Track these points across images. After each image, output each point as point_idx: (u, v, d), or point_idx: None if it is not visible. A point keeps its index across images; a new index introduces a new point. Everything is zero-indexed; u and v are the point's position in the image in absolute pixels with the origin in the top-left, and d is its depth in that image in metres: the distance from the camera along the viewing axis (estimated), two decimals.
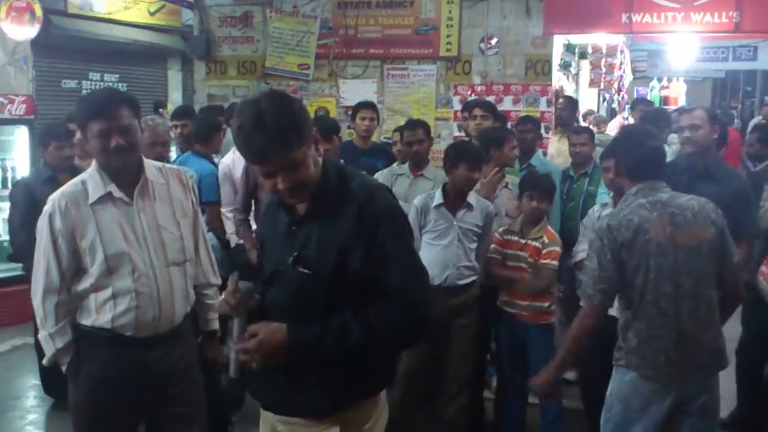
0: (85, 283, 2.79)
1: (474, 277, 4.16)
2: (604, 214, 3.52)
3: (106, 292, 2.78)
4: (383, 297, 2.07)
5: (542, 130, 6.92)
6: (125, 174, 2.81)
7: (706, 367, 3.02)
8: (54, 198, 2.81)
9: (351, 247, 2.07)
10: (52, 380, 4.68)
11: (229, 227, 5.10)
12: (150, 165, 2.93)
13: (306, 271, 2.11)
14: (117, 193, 2.80)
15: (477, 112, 5.24)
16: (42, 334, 2.84)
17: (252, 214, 5.14)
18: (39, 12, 6.53)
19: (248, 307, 2.19)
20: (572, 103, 7.92)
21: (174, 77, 10.92)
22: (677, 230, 2.94)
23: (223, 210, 5.10)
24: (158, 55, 10.72)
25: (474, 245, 4.13)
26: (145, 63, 10.58)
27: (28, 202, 4.34)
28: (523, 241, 4.15)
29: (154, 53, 10.51)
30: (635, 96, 11.74)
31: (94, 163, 2.86)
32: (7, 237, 6.34)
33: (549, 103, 8.27)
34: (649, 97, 12.71)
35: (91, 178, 2.82)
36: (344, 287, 2.09)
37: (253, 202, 4.79)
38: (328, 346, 2.06)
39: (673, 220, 2.95)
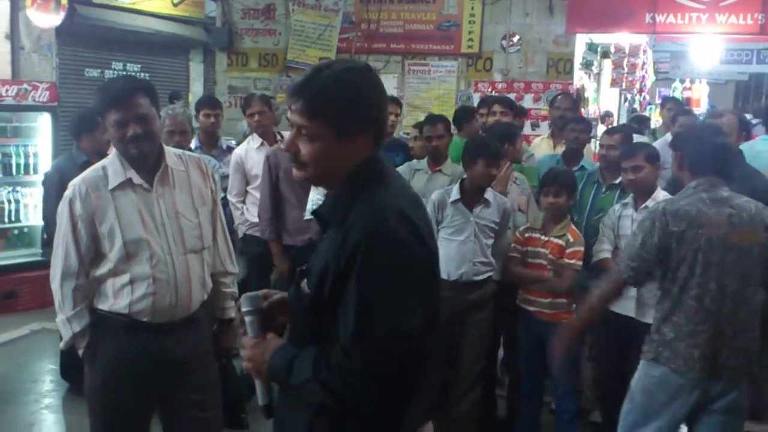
0: (104, 268, 2.81)
1: (490, 273, 4.15)
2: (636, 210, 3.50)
3: (124, 278, 2.80)
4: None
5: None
6: (145, 161, 2.83)
7: (737, 369, 3.01)
8: (75, 183, 2.84)
9: (328, 272, 1.77)
10: (70, 365, 4.72)
11: (237, 217, 5.12)
12: (170, 152, 2.95)
13: (304, 287, 1.89)
14: (137, 179, 2.82)
15: (497, 108, 5.21)
16: (60, 318, 2.87)
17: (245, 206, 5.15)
18: (64, 0, 6.56)
19: (261, 311, 2.02)
20: (574, 104, 6.79)
21: (196, 69, 10.97)
22: (732, 230, 2.94)
23: (232, 200, 5.12)
24: (180, 46, 10.78)
25: (490, 241, 4.12)
26: (168, 54, 10.64)
27: (62, 189, 4.36)
28: (545, 238, 4.12)
29: (176, 44, 10.56)
30: (657, 96, 11.65)
31: (114, 149, 2.88)
32: (29, 222, 6.45)
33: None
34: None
35: (111, 164, 2.85)
36: (325, 315, 1.80)
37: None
38: (282, 380, 1.85)
39: (730, 219, 2.95)
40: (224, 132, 6.23)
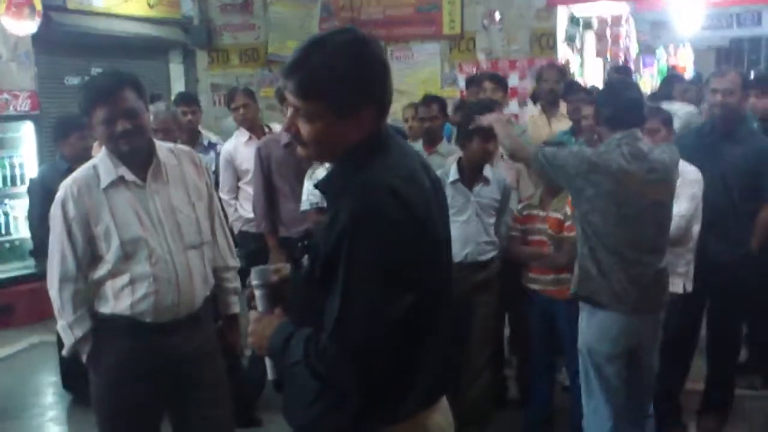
0: (102, 270, 2.73)
1: (494, 253, 4.09)
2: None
3: (124, 278, 2.72)
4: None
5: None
6: (136, 157, 2.75)
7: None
8: (66, 184, 2.75)
9: (319, 250, 1.74)
10: (72, 374, 4.64)
11: (231, 214, 5.02)
12: (162, 146, 2.87)
13: (304, 264, 1.87)
14: (129, 176, 2.74)
15: (487, 85, 5.14)
16: (60, 324, 2.79)
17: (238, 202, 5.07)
18: (39, 6, 6.46)
19: (271, 285, 2.01)
20: (562, 74, 6.31)
21: (176, 69, 10.81)
22: (650, 184, 3.16)
23: (224, 197, 5.01)
24: (159, 48, 10.62)
25: (493, 220, 4.06)
26: (147, 56, 10.47)
27: (45, 197, 4.25)
28: (544, 214, 4.06)
29: (155, 46, 10.40)
30: (642, 66, 11.60)
31: (104, 147, 2.80)
32: (20, 235, 6.34)
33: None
34: (655, 67, 12.56)
35: (102, 162, 2.76)
36: (319, 294, 1.76)
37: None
38: (278, 359, 1.85)
39: (648, 175, 3.15)
40: (212, 130, 6.13)
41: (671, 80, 7.17)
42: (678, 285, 3.83)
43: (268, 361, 1.98)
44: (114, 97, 2.65)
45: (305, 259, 1.88)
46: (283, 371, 1.91)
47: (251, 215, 4.83)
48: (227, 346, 3.13)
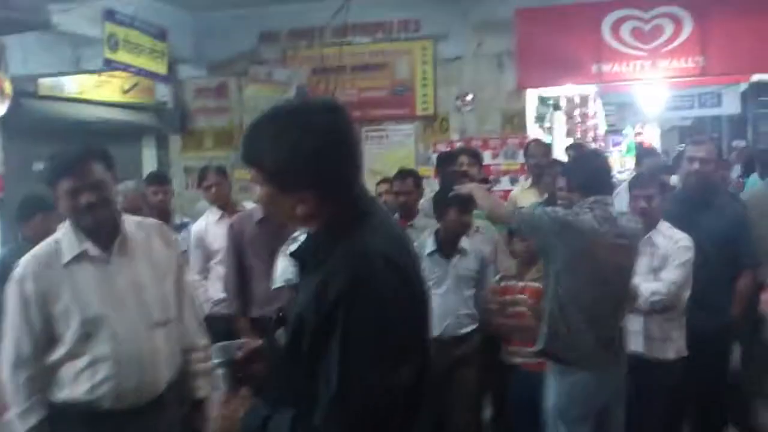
0: (59, 352, 2.57)
1: (474, 326, 3.99)
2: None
3: (83, 360, 2.57)
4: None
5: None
6: (101, 231, 2.64)
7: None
8: (25, 260, 2.63)
9: (306, 322, 1.61)
10: None
11: (200, 295, 4.85)
12: (129, 220, 2.77)
13: (280, 338, 1.77)
14: (93, 251, 2.63)
15: (463, 159, 5.14)
16: (12, 413, 2.59)
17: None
18: (8, 90, 6.41)
19: (236, 363, 1.87)
20: (547, 149, 6.59)
21: (149, 154, 10.77)
22: (617, 247, 3.29)
23: (194, 277, 4.84)
24: (132, 133, 10.59)
25: (471, 292, 3.99)
26: (119, 141, 10.37)
27: (4, 279, 4.08)
28: (522, 284, 3.99)
29: (127, 131, 10.36)
30: (611, 144, 11.82)
31: (68, 221, 2.69)
32: None
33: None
34: (624, 145, 12.84)
35: (65, 236, 2.65)
36: (302, 368, 1.63)
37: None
38: None
39: (616, 238, 3.29)
40: (184, 214, 6.04)
41: (641, 155, 7.33)
42: (671, 351, 3.84)
43: None
44: (80, 168, 2.57)
45: (281, 332, 1.77)
46: None
47: (221, 296, 4.69)
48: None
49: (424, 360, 1.71)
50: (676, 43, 7.69)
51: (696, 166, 4.14)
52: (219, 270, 4.80)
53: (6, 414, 2.62)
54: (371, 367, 1.53)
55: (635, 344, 3.81)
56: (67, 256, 2.61)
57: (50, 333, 2.58)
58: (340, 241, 1.62)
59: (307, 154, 1.61)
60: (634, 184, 4.10)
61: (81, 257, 2.62)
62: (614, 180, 4.01)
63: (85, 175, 2.56)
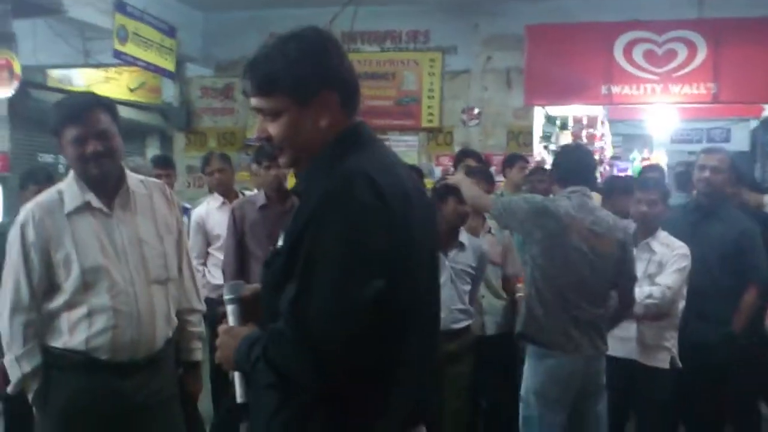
0: (58, 301, 2.55)
1: (468, 322, 3.94)
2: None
3: (81, 310, 2.54)
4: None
5: None
6: (105, 183, 2.62)
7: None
8: (28, 207, 2.61)
9: (287, 238, 1.66)
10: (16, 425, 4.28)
11: (199, 280, 4.81)
12: (132, 176, 2.75)
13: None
14: (96, 202, 2.60)
15: (470, 162, 5.15)
16: (8, 358, 2.57)
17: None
18: (18, 69, 6.41)
19: (243, 300, 1.90)
20: (547, 174, 6.63)
21: (152, 153, 10.79)
22: (592, 235, 3.34)
23: (193, 263, 4.81)
24: (137, 132, 10.60)
25: (467, 287, 3.94)
26: (124, 140, 10.36)
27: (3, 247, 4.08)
28: None
29: (132, 130, 10.35)
30: (616, 170, 11.82)
31: (71, 172, 2.66)
32: None
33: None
34: (630, 169, 12.84)
35: (68, 187, 2.63)
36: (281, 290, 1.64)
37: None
38: (244, 366, 1.69)
39: (592, 226, 3.35)
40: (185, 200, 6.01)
41: (646, 171, 7.31)
42: (665, 360, 3.82)
43: (237, 382, 1.81)
44: (86, 116, 2.55)
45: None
46: (251, 382, 1.73)
47: (219, 281, 4.65)
48: (187, 394, 2.90)
49: (417, 306, 1.68)
50: (689, 69, 7.64)
51: (707, 174, 4.13)
52: (218, 256, 4.77)
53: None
54: (333, 273, 1.52)
55: (629, 351, 3.80)
56: (69, 206, 2.58)
57: (50, 280, 2.55)
58: (333, 169, 1.64)
59: (316, 51, 1.70)
60: (638, 187, 4.10)
61: (83, 208, 2.59)
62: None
63: (91, 123, 2.54)
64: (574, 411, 3.37)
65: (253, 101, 1.74)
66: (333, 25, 8.35)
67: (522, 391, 3.43)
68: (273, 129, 1.72)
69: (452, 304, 3.84)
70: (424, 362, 1.75)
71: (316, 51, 1.71)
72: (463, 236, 3.95)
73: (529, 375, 3.41)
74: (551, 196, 3.91)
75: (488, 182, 4.47)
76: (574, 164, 3.53)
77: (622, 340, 3.77)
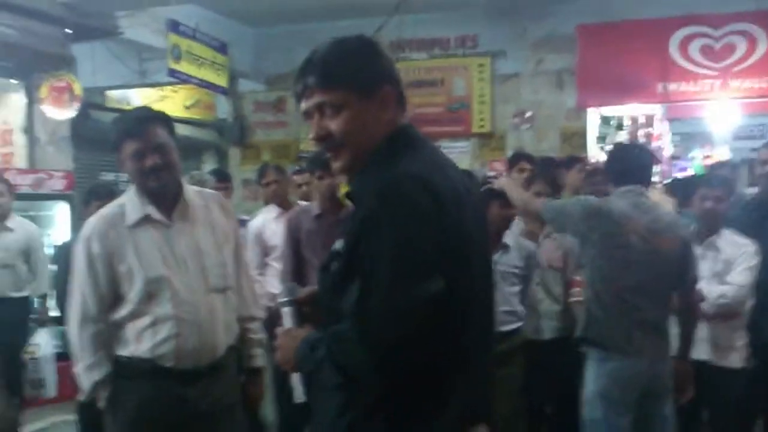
0: (124, 311, 2.62)
1: (518, 324, 3.90)
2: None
3: (146, 319, 2.60)
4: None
5: None
6: (164, 195, 2.68)
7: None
8: (91, 221, 2.69)
9: (344, 241, 1.67)
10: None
11: (258, 290, 4.88)
12: (190, 188, 2.81)
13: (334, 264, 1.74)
14: (156, 215, 2.66)
15: (523, 165, 5.10)
16: (79, 367, 2.65)
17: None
18: (78, 90, 6.62)
19: (299, 301, 1.92)
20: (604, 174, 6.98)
21: (209, 169, 11.00)
22: (651, 234, 3.23)
23: (251, 273, 4.89)
24: (193, 148, 10.83)
25: (515, 288, 3.90)
26: (181, 156, 10.60)
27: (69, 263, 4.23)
28: None
29: (189, 146, 10.59)
30: (676, 169, 11.51)
31: (133, 185, 2.73)
32: (49, 313, 6.23)
33: None
34: (690, 168, 12.50)
35: (129, 200, 2.70)
36: (341, 292, 1.66)
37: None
38: (307, 367, 1.71)
39: (650, 225, 3.25)
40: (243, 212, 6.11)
41: (715, 168, 7.14)
42: (738, 360, 3.77)
43: (296, 382, 1.82)
44: (145, 131, 2.62)
45: (333, 266, 1.75)
46: (312, 383, 1.75)
47: (278, 291, 4.71)
48: (250, 400, 2.94)
49: (468, 287, 1.67)
50: (749, 62, 7.48)
51: None
52: (276, 266, 4.83)
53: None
54: (391, 274, 1.53)
55: (701, 352, 3.72)
56: (131, 219, 2.65)
57: (115, 291, 2.62)
58: (385, 172, 1.64)
59: (373, 48, 1.76)
60: (703, 183, 4.02)
61: (144, 220, 2.66)
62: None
63: (149, 138, 2.61)
64: (640, 414, 3.29)
65: (313, 99, 1.73)
66: (380, 34, 8.44)
67: (583, 394, 3.36)
68: (334, 124, 1.71)
69: (498, 306, 3.82)
70: (481, 362, 1.76)
71: (373, 48, 1.76)
72: (508, 237, 3.93)
73: (591, 377, 3.34)
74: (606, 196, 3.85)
75: (552, 186, 4.40)
76: (627, 163, 3.44)
77: (695, 341, 3.69)
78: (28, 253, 5.48)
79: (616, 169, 3.48)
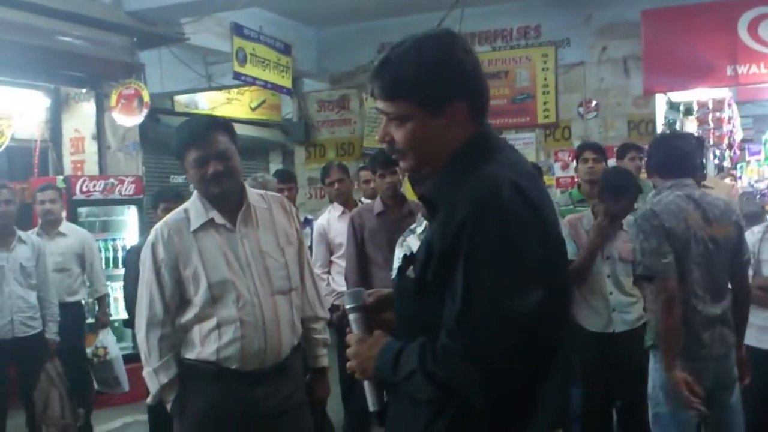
0: (189, 314, 2.68)
1: None
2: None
3: (211, 322, 2.65)
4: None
5: None
6: (227, 200, 2.73)
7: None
8: (157, 227, 2.76)
9: (433, 252, 1.59)
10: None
11: (323, 288, 4.93)
12: (252, 192, 2.86)
13: (410, 275, 1.70)
14: (219, 219, 2.72)
15: (588, 155, 4.99)
16: (146, 371, 2.72)
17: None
18: (146, 97, 6.80)
19: (366, 308, 1.86)
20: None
21: (275, 168, 11.18)
22: (708, 224, 3.18)
23: (317, 271, 4.92)
24: (260, 148, 11.04)
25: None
26: (248, 156, 10.86)
27: (137, 266, 4.37)
28: None
29: (256, 147, 10.81)
30: (748, 154, 11.14)
31: (195, 191, 2.80)
32: (118, 316, 6.44)
33: None
34: (762, 154, 12.06)
35: (193, 205, 2.76)
36: (429, 301, 1.60)
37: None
38: (388, 377, 1.65)
39: (705, 214, 3.19)
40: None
41: None
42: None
43: (368, 391, 1.79)
44: (206, 139, 2.67)
45: (410, 272, 1.72)
46: (391, 392, 1.72)
47: (343, 288, 4.75)
48: (315, 400, 2.98)
49: (559, 295, 1.64)
50: None
51: None
52: (341, 264, 4.88)
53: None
54: (496, 284, 1.49)
55: (762, 340, 3.69)
56: (195, 224, 2.71)
57: (181, 295, 2.68)
58: (468, 175, 1.59)
59: (451, 60, 1.63)
60: None
61: (208, 225, 2.71)
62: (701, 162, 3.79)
63: (211, 145, 2.66)
64: (707, 406, 3.22)
65: (379, 104, 1.69)
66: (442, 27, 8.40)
67: (649, 389, 3.31)
68: (398, 134, 1.67)
69: None
70: (566, 366, 1.75)
71: (452, 60, 1.63)
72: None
73: (657, 372, 3.29)
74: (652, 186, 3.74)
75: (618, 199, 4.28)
76: (670, 154, 3.35)
77: (760, 330, 3.63)
78: (82, 257, 5.58)
79: (658, 162, 3.39)
